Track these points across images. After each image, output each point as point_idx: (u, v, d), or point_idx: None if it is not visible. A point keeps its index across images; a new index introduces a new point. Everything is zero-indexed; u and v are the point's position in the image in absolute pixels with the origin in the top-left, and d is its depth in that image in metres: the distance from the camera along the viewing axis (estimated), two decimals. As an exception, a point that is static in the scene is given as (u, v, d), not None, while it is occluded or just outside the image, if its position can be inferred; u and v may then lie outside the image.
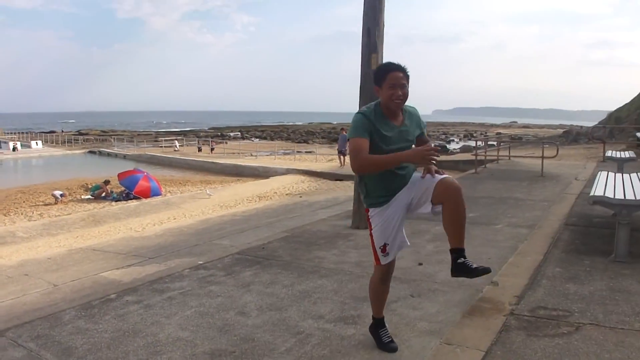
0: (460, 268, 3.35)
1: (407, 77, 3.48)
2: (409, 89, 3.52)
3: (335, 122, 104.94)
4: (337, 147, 29.35)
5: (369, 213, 3.72)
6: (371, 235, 3.69)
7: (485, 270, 3.29)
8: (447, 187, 3.36)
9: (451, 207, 3.37)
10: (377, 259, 3.69)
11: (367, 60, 7.50)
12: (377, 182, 3.60)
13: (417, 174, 3.62)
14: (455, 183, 3.37)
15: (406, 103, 3.57)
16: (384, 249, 3.65)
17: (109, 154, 44.03)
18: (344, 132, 27.57)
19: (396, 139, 3.52)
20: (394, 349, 3.62)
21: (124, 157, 40.90)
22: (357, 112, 3.56)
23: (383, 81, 3.44)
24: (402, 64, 3.49)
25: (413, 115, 3.66)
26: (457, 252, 3.40)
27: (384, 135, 3.47)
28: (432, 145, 3.41)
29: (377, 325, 3.76)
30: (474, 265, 3.33)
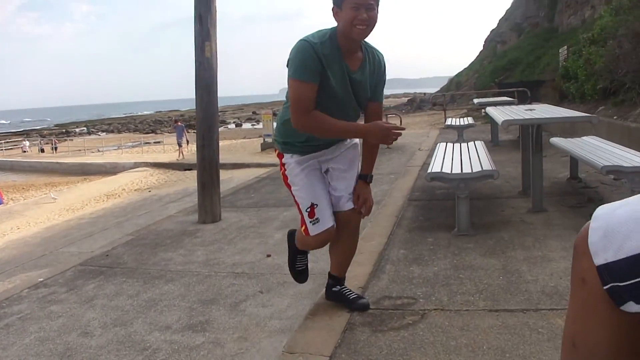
0: (336, 296, 3.51)
1: None
2: (378, 16, 2.88)
3: (184, 109, 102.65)
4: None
5: (282, 160, 3.24)
6: (292, 194, 3.26)
7: (364, 307, 3.48)
8: (354, 218, 3.31)
9: (349, 239, 3.40)
10: (305, 230, 3.23)
11: (201, 48, 7.07)
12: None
13: (350, 152, 3.28)
14: (359, 219, 3.36)
15: (373, 46, 3.08)
16: (311, 212, 3.15)
17: None
18: (179, 124, 28.01)
19: (342, 92, 2.97)
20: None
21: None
22: (303, 40, 2.90)
23: (343, 1, 2.83)
24: None
25: (376, 62, 3.07)
26: (336, 280, 3.47)
27: (330, 84, 2.91)
28: (389, 122, 3.20)
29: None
30: (352, 296, 3.45)
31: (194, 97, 7.09)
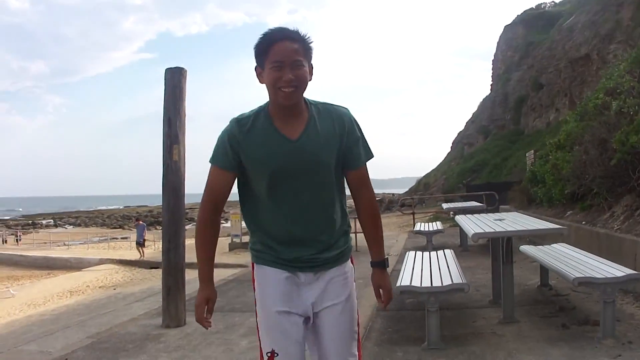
0: None
1: (305, 48, 2.32)
2: (310, 72, 2.36)
3: (153, 205, 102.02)
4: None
5: (253, 270, 2.52)
6: (256, 313, 2.49)
7: None
8: None
9: None
10: None
11: (169, 152, 7.00)
12: (265, 220, 2.44)
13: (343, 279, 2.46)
14: None
15: (329, 103, 2.46)
16: (271, 358, 2.35)
17: None
18: (140, 222, 26.89)
19: (283, 169, 2.32)
20: None
21: None
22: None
23: (265, 57, 2.29)
24: (297, 29, 2.34)
25: (334, 119, 2.39)
26: None
27: (259, 158, 2.32)
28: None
29: None
30: None
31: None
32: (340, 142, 2.39)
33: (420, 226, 11.64)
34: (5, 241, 41.21)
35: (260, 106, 2.41)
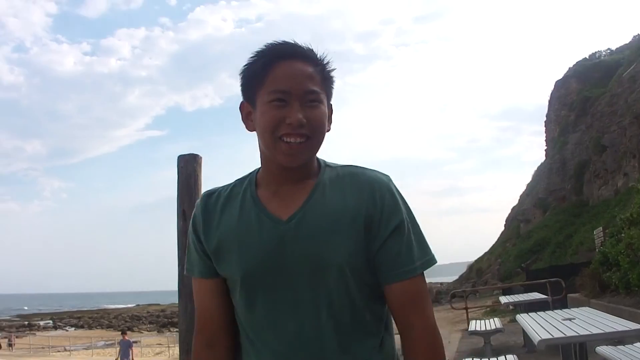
0: None
1: (324, 77, 1.72)
2: (330, 118, 1.76)
3: (166, 303, 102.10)
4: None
5: None
6: None
7: None
8: None
9: None
10: None
11: (184, 246, 6.98)
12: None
13: None
14: None
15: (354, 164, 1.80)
16: None
17: None
18: (126, 338, 22.89)
19: (268, 262, 1.65)
20: None
21: None
22: None
23: (259, 86, 1.68)
24: (310, 46, 1.73)
25: (347, 186, 1.71)
26: None
27: (224, 251, 1.72)
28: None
29: None
30: None
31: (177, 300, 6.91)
32: (363, 228, 1.65)
33: (476, 325, 11.33)
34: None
35: (248, 173, 1.85)
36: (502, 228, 51.26)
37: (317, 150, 1.73)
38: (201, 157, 7.59)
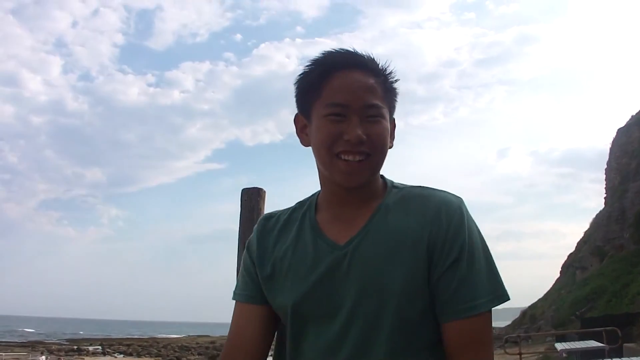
0: None
1: (387, 88, 1.60)
2: (392, 135, 1.65)
3: (216, 335, 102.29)
4: None
5: None
6: None
7: None
8: None
9: None
10: None
11: (244, 279, 7.10)
12: None
13: None
14: None
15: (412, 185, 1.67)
16: None
17: None
18: None
19: (320, 290, 1.54)
20: None
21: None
22: None
23: (315, 97, 1.58)
24: (372, 55, 1.61)
25: (411, 208, 1.57)
26: None
27: (275, 278, 1.62)
28: None
29: None
30: None
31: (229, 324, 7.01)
32: (425, 253, 1.50)
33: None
34: None
35: (310, 196, 1.74)
36: (558, 274, 50.33)
37: (379, 169, 1.60)
38: (265, 191, 7.78)
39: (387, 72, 1.60)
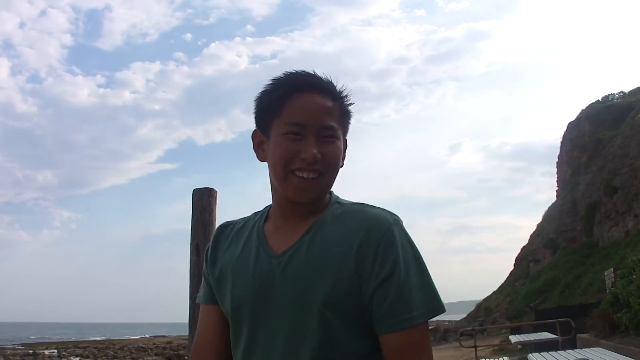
0: None
1: (342, 112, 1.69)
2: (343, 155, 1.71)
3: (172, 335, 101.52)
4: None
5: None
6: None
7: None
8: None
9: None
10: None
11: (197, 282, 6.98)
12: None
13: None
14: None
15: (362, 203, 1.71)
16: None
17: None
18: None
19: (252, 297, 1.63)
20: None
21: None
22: None
23: (275, 116, 1.64)
24: (329, 78, 1.69)
25: (346, 224, 1.62)
26: None
27: (219, 283, 1.74)
28: None
29: None
30: None
31: (187, 329, 6.89)
32: (352, 268, 1.55)
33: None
34: None
35: (266, 206, 1.83)
36: (512, 267, 50.98)
37: (329, 187, 1.69)
38: (216, 191, 7.63)
39: (344, 95, 1.69)
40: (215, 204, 7.51)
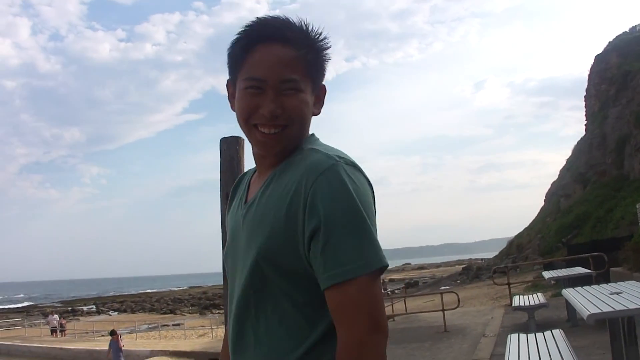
0: None
1: (308, 60, 1.62)
2: (315, 100, 1.69)
3: (208, 285, 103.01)
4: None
5: None
6: None
7: None
8: None
9: None
10: None
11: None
12: None
13: None
14: None
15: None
16: None
17: None
18: (116, 339, 20.68)
19: (228, 247, 1.76)
20: None
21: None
22: None
23: (239, 68, 1.64)
24: (301, 22, 1.64)
25: (291, 171, 1.57)
26: None
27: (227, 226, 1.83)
28: None
29: None
30: None
31: (221, 273, 7.05)
32: (283, 222, 1.52)
33: (520, 300, 11.36)
34: (59, 331, 38.27)
35: None
36: (542, 203, 50.80)
37: (298, 138, 1.64)
38: (243, 140, 7.71)
39: (313, 37, 1.64)
40: (243, 152, 7.58)
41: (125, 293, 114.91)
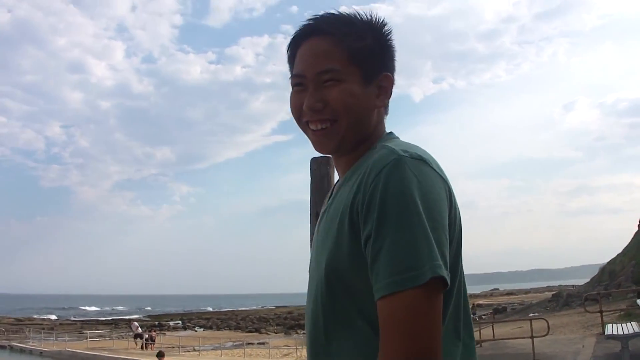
0: None
1: (348, 46, 1.48)
2: (373, 90, 1.53)
3: (293, 305, 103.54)
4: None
5: None
6: None
7: None
8: None
9: None
10: None
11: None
12: None
13: None
14: None
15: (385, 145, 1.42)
16: None
17: (22, 350, 39.66)
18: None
19: (310, 260, 1.60)
20: None
21: (40, 353, 37.11)
22: None
23: (291, 69, 1.60)
24: (338, 12, 1.55)
25: (355, 173, 1.43)
26: None
27: None
28: None
29: None
30: None
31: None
32: (348, 225, 1.36)
33: (612, 329, 11.00)
34: (146, 346, 38.15)
35: None
36: (636, 228, 49.04)
37: (355, 133, 1.49)
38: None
39: (362, 27, 1.51)
40: (333, 171, 7.61)
41: (211, 310, 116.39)
